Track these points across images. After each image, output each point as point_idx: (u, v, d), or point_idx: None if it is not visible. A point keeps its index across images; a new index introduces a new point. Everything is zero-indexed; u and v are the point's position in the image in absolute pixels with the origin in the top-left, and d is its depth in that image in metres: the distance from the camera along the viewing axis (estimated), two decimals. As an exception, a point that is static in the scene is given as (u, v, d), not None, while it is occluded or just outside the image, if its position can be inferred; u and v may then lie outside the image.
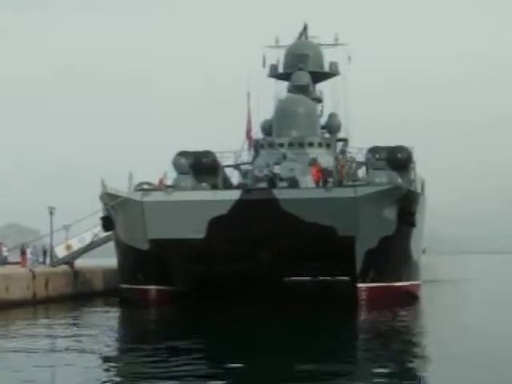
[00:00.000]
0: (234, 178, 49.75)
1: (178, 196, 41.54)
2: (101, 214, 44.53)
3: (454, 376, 18.63)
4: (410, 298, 41.96)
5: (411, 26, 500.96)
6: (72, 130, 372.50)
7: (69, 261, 48.69)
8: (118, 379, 19.37)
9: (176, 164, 46.82)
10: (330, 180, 42.86)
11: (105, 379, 18.97)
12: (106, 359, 22.33)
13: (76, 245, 49.09)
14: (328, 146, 49.47)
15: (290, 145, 47.58)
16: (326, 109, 54.69)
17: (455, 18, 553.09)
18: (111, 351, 24.40)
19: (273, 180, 42.28)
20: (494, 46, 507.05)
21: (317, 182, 42.59)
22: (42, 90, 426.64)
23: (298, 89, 52.30)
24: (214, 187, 44.62)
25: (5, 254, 48.67)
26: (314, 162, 45.59)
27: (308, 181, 43.63)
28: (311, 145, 48.05)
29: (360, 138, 51.75)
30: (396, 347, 24.98)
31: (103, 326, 32.03)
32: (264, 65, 55.30)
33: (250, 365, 20.60)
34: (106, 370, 20.80)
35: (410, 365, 21.29)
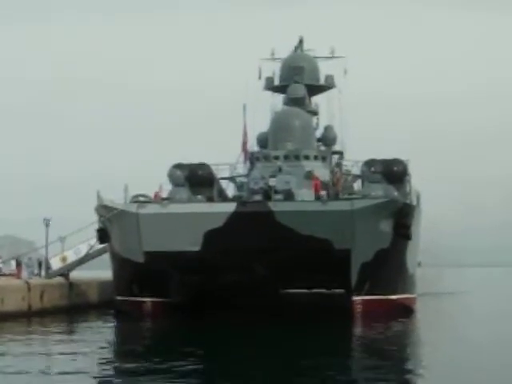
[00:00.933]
0: (230, 190, 49.91)
1: (174, 208, 41.36)
2: (96, 226, 44.47)
3: None
4: (405, 312, 41.84)
5: (407, 41, 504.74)
6: (66, 142, 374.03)
7: (64, 272, 48.55)
8: None
9: (171, 176, 46.70)
10: (324, 193, 42.99)
11: None
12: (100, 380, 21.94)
13: (71, 257, 48.97)
14: (324, 158, 49.25)
15: (286, 157, 47.40)
16: (322, 121, 54.78)
17: (451, 31, 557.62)
18: (105, 370, 23.90)
19: (268, 192, 42.04)
20: (491, 62, 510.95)
21: (317, 194, 42.53)
22: (39, 97, 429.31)
23: (294, 101, 52.25)
24: (210, 199, 44.66)
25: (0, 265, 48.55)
26: (311, 175, 45.65)
27: (304, 193, 43.55)
28: (307, 157, 47.85)
29: (356, 151, 51.74)
30: (390, 363, 24.52)
31: (98, 342, 31.63)
32: (260, 77, 55.51)
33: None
34: None
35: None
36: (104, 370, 22.80)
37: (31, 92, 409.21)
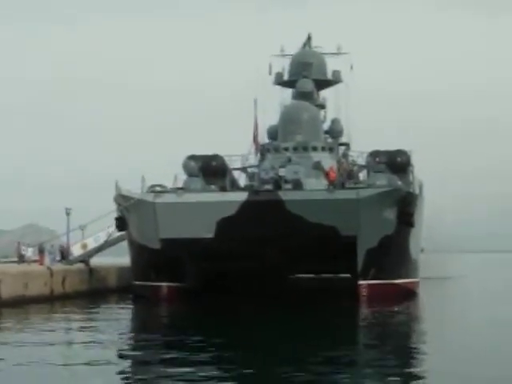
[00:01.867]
0: (242, 180, 50.12)
1: (188, 197, 41.62)
2: (115, 215, 44.84)
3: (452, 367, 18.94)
4: (408, 295, 42.03)
5: (410, 40, 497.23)
6: (84, 134, 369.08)
7: (84, 259, 49.05)
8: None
9: (186, 167, 46.98)
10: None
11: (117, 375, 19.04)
12: (119, 360, 22.32)
13: (91, 244, 49.51)
14: (331, 149, 49.59)
15: (295, 149, 47.77)
16: (329, 114, 55.07)
17: (452, 31, 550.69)
18: (124, 351, 24.15)
19: (278, 182, 42.44)
20: (490, 61, 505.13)
21: (332, 182, 42.89)
22: (55, 92, 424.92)
23: (303, 95, 52.43)
24: (223, 189, 44.75)
25: (24, 252, 48.91)
26: (319, 166, 46.06)
27: (312, 183, 43.84)
28: (315, 149, 48.16)
29: (361, 143, 52.01)
30: (393, 343, 25.11)
31: (117, 324, 31.88)
32: (270, 73, 55.47)
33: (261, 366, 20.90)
34: (120, 368, 20.81)
35: (409, 364, 21.49)
36: (121, 341, 23.82)
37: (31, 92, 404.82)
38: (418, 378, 18.11)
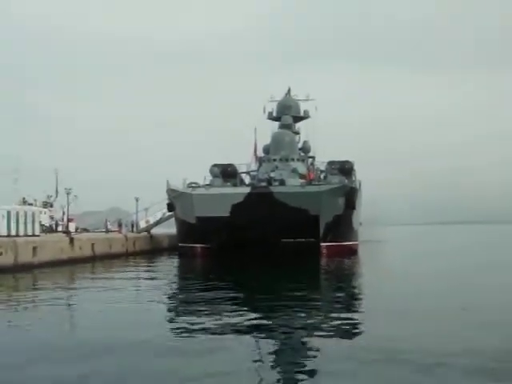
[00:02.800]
0: (246, 179, 49.96)
1: (213, 190, 41.97)
2: (166, 201, 45.03)
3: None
4: (352, 252, 42.26)
5: (357, 90, 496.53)
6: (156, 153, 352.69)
7: (147, 230, 49.50)
8: (176, 303, 19.79)
9: (211, 171, 47.54)
10: (304, 181, 43.48)
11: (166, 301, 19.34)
12: (171, 290, 22.88)
13: (152, 220, 49.99)
14: (303, 160, 49.70)
15: (280, 160, 47.87)
16: (302, 138, 54.43)
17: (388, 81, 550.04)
18: (172, 285, 24.81)
19: (270, 181, 42.82)
20: (414, 104, 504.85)
21: (311, 180, 43.33)
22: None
23: (285, 126, 52.48)
24: (234, 185, 45.00)
25: (109, 226, 49.49)
26: (296, 171, 46.26)
27: (291, 181, 43.91)
28: (292, 160, 48.28)
29: (322, 156, 51.87)
30: (342, 279, 25.86)
31: (168, 269, 32.74)
32: (264, 111, 55.23)
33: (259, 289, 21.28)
34: (169, 297, 21.26)
35: (350, 290, 22.12)
36: (171, 284, 24.09)
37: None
38: (356, 298, 18.72)
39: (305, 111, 55.60)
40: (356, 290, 21.71)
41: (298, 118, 54.95)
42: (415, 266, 32.10)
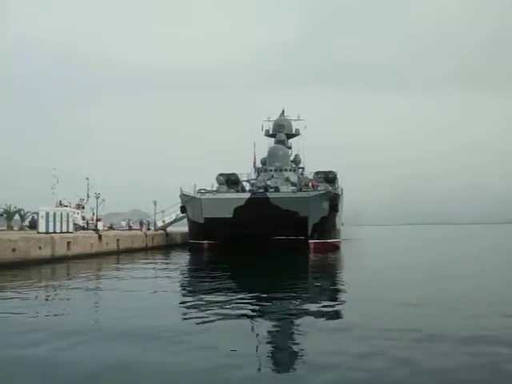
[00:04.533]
0: (247, 187, 49.99)
1: (219, 195, 42.10)
2: (179, 204, 45.09)
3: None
4: (335, 248, 42.23)
5: (342, 112, 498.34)
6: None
7: (163, 228, 49.37)
8: (187, 289, 19.93)
9: (217, 179, 47.79)
10: (295, 188, 43.69)
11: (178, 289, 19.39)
12: (182, 278, 23.01)
13: (167, 220, 49.81)
14: (294, 171, 49.78)
15: (275, 170, 48.03)
16: (294, 152, 54.70)
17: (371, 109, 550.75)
18: (183, 275, 24.89)
19: (266, 188, 43.13)
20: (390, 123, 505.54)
21: (312, 187, 43.08)
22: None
23: (279, 142, 52.61)
24: (237, 191, 44.96)
25: (132, 224, 49.59)
26: (289, 180, 46.44)
27: (284, 188, 44.11)
28: (286, 170, 48.41)
29: (310, 167, 52.24)
30: (327, 270, 25.96)
31: (182, 261, 32.66)
32: (262, 129, 55.51)
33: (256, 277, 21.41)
34: (181, 284, 21.22)
35: (334, 279, 22.27)
36: (183, 275, 24.03)
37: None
38: (340, 287, 18.91)
39: (296, 129, 55.74)
40: (337, 278, 21.95)
41: (290, 135, 55.09)
42: (384, 257, 32.29)
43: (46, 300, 15.09)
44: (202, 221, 40.99)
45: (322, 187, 43.78)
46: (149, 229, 48.73)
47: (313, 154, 62.32)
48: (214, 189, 46.23)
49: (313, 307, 13.31)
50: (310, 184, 44.47)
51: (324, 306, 13.49)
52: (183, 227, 48.95)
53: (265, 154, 51.67)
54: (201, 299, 14.58)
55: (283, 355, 8.99)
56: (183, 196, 42.98)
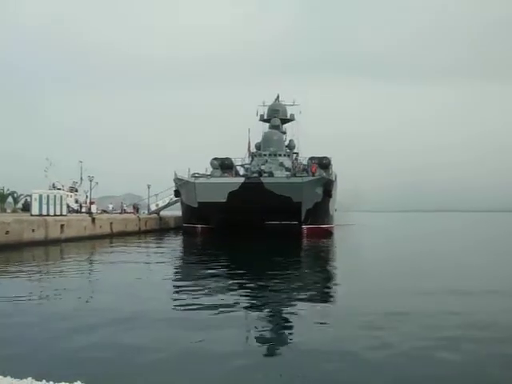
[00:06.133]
0: (241, 171, 49.58)
1: (213, 180, 41.84)
2: (173, 188, 44.83)
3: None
4: (328, 233, 42.27)
5: (337, 100, 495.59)
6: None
7: (157, 212, 49.12)
8: (179, 273, 19.89)
9: (212, 164, 47.36)
10: (289, 173, 43.51)
11: (171, 276, 19.29)
12: (176, 262, 22.91)
13: (161, 204, 49.56)
14: (289, 156, 49.51)
15: (269, 155, 47.70)
16: (288, 137, 54.27)
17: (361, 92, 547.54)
18: (177, 259, 24.86)
19: (260, 173, 42.93)
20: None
21: (314, 172, 42.65)
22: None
23: (274, 127, 52.10)
24: (231, 176, 44.79)
25: (125, 208, 49.31)
26: (283, 164, 46.13)
27: (278, 173, 43.86)
28: (280, 155, 48.10)
29: (304, 152, 51.85)
30: (320, 255, 25.99)
31: (174, 244, 32.60)
32: (257, 114, 55.00)
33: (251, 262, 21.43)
34: (175, 268, 21.16)
35: (326, 264, 22.31)
36: (176, 258, 24.06)
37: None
38: (332, 271, 18.92)
39: (291, 114, 55.32)
40: (329, 262, 21.98)
41: (285, 120, 54.67)
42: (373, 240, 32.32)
43: (40, 281, 14.95)
44: (195, 205, 40.77)
45: (316, 173, 43.48)
46: (142, 212, 48.51)
47: (308, 139, 61.55)
48: (208, 173, 45.91)
49: (302, 294, 13.33)
50: (313, 169, 44.12)
51: (313, 289, 13.49)
52: (177, 211, 48.74)
53: (259, 139, 51.32)
54: (196, 284, 14.44)
55: (275, 341, 8.94)
56: (177, 180, 42.70)
